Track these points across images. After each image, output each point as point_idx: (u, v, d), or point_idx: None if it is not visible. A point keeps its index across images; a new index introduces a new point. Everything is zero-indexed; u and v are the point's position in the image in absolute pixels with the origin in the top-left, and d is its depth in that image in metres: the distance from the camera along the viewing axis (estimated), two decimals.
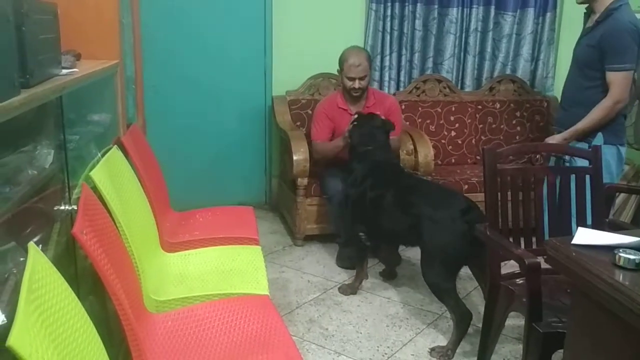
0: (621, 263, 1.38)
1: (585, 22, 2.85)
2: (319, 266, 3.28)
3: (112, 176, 1.97)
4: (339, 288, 3.00)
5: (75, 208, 1.62)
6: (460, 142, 4.08)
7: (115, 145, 2.19)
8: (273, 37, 3.94)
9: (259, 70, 3.97)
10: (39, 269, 1.10)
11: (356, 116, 3.08)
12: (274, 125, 3.93)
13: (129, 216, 1.92)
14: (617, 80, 2.63)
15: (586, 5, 2.78)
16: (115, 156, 2.12)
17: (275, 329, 1.72)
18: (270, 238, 3.65)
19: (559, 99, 3.11)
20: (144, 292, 1.84)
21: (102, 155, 2.07)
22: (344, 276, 3.15)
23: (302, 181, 3.42)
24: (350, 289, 2.96)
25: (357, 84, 3.22)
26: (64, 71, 1.76)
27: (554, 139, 2.72)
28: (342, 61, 3.26)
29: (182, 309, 1.83)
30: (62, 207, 1.70)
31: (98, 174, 1.82)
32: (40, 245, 1.51)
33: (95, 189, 1.77)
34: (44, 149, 1.66)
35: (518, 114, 4.16)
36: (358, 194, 2.88)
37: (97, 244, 1.46)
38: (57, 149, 1.70)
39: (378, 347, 2.48)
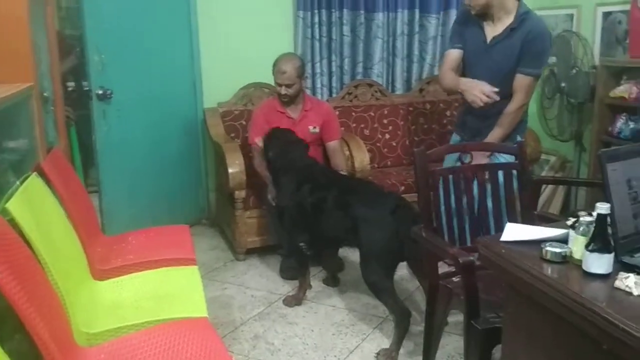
0: (548, 257, 1.42)
1: (478, 30, 2.63)
2: (262, 280, 3.24)
3: (32, 206, 1.87)
4: (283, 300, 2.96)
5: None
6: (394, 144, 4.13)
7: (35, 172, 2.07)
8: (200, 48, 3.87)
9: (188, 83, 3.88)
10: None
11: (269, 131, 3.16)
12: (208, 138, 3.86)
13: (52, 247, 1.82)
14: (527, 84, 2.57)
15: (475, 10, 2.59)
16: (34, 184, 2.01)
17: (215, 351, 1.67)
18: (211, 254, 3.58)
19: (465, 106, 2.79)
20: (73, 325, 1.74)
21: (22, 184, 1.96)
22: (288, 287, 3.11)
23: (240, 194, 3.37)
24: (294, 300, 2.93)
25: (283, 90, 3.24)
26: None
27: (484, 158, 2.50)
28: (273, 66, 3.30)
29: (115, 340, 1.75)
30: None
31: (15, 205, 1.72)
32: None
33: (12, 221, 1.67)
34: None
35: (448, 113, 4.26)
36: (297, 203, 2.87)
37: (13, 281, 1.37)
38: None
39: (325, 357, 2.46)
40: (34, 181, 2.02)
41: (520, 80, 2.57)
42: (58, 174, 2.27)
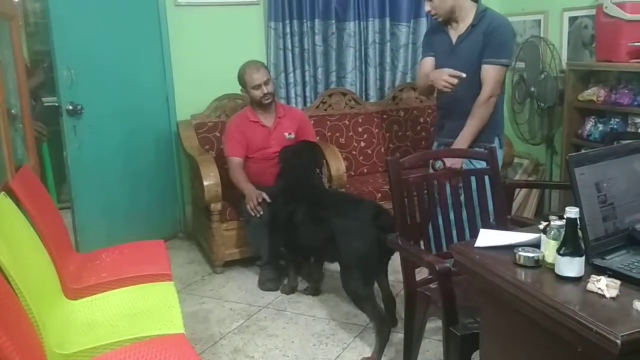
0: (521, 262, 1.44)
1: (443, 35, 2.74)
2: (240, 292, 3.21)
3: (1, 226, 1.82)
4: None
5: None
6: (370, 151, 4.15)
7: (3, 192, 2.03)
8: (172, 61, 3.84)
9: (160, 96, 3.85)
10: None
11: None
12: (182, 151, 3.83)
13: (22, 268, 1.78)
14: (494, 74, 2.62)
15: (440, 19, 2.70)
16: (3, 203, 1.98)
17: None
18: (188, 268, 3.53)
19: (441, 110, 2.91)
20: (46, 347, 1.71)
21: None
22: (267, 299, 3.09)
23: (216, 206, 3.34)
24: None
25: (265, 89, 3.25)
26: None
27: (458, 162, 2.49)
28: (241, 77, 3.33)
29: None
30: None
31: None
32: None
33: None
34: None
35: (422, 119, 4.29)
36: (274, 212, 2.97)
37: None
38: None
39: None
40: (2, 201, 1.98)
41: (486, 71, 2.64)
42: (27, 192, 2.22)
